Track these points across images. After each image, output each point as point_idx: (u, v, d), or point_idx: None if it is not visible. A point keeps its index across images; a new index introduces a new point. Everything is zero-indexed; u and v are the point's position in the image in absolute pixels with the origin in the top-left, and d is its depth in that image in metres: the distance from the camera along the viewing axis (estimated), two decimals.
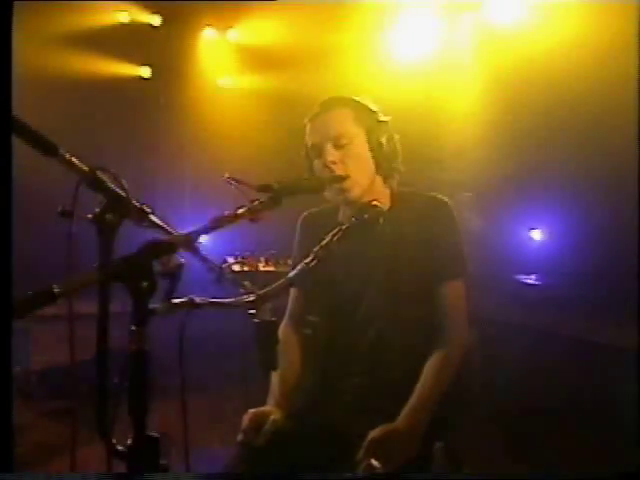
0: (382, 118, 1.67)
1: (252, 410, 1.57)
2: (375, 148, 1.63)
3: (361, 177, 1.62)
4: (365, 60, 5.02)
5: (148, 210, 1.05)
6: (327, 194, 1.68)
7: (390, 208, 1.67)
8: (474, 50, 5.03)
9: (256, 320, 1.19)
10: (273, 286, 1.24)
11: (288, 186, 1.23)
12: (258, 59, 5.70)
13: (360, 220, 1.41)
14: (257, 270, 3.24)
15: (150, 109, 5.57)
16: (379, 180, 1.69)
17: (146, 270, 0.93)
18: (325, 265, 1.34)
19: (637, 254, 2.92)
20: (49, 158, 0.96)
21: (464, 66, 5.08)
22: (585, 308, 3.80)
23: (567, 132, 4.20)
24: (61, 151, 0.97)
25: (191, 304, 1.09)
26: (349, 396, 1.64)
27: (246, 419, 1.55)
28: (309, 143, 1.66)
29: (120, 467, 1.01)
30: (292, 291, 1.79)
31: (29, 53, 3.88)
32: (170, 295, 1.01)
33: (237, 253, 3.25)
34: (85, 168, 0.98)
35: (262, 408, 1.59)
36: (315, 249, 1.33)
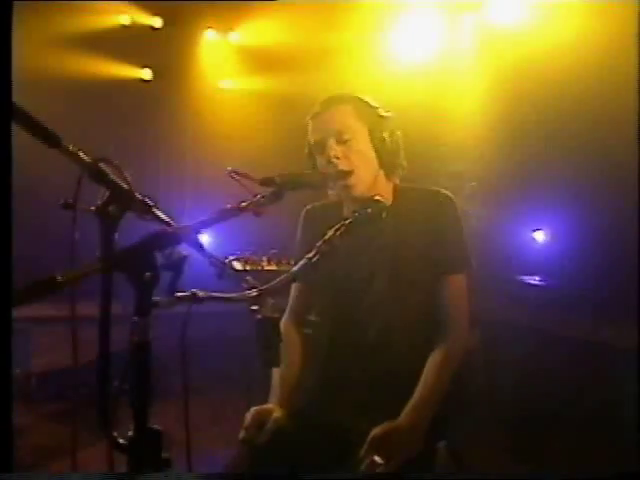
0: (383, 114, 1.66)
1: (255, 408, 1.56)
2: (378, 143, 1.63)
3: (365, 172, 1.61)
4: (365, 60, 5.02)
5: (151, 203, 1.04)
6: (330, 191, 1.67)
7: (393, 203, 1.66)
8: (474, 50, 5.03)
9: (259, 316, 1.18)
10: (276, 281, 1.22)
11: (290, 180, 1.23)
12: (259, 61, 5.70)
13: (363, 215, 1.40)
14: (259, 269, 3.22)
15: (151, 111, 5.56)
16: (382, 175, 1.68)
17: (149, 261, 0.92)
18: (328, 260, 1.33)
19: (637, 254, 2.91)
20: (52, 149, 0.95)
21: (464, 66, 5.08)
22: (588, 309, 3.79)
23: (567, 132, 4.19)
24: (64, 143, 0.96)
25: (194, 298, 1.07)
26: (351, 394, 1.63)
27: (248, 417, 1.54)
28: (312, 140, 1.66)
29: (121, 467, 0.99)
30: (294, 286, 1.78)
31: (29, 54, 3.86)
32: (173, 288, 1.00)
33: (238, 253, 3.24)
34: (88, 160, 0.98)
35: (264, 406, 1.59)
36: (318, 244, 1.32)
